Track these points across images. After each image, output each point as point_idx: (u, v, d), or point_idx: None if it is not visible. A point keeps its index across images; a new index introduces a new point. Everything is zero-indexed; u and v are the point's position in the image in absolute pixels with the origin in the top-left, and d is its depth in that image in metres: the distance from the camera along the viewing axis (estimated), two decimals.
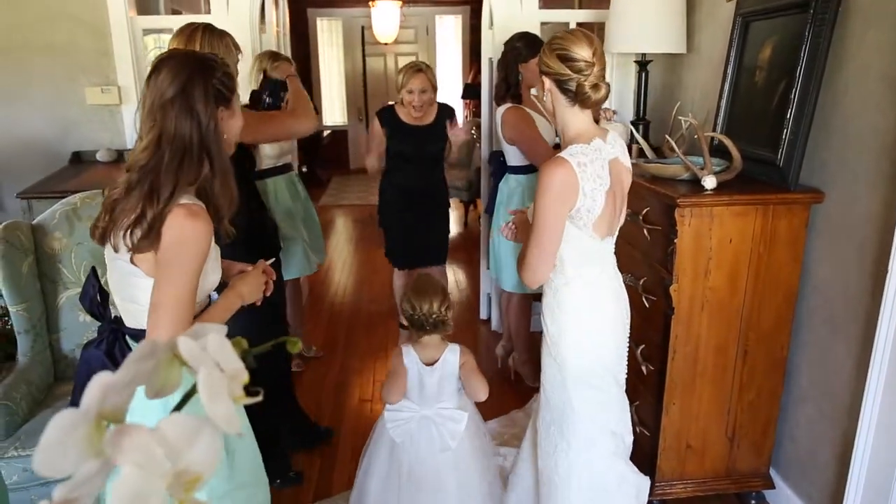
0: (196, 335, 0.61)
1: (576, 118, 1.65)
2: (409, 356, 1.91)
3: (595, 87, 1.59)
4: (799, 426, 2.17)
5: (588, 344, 1.76)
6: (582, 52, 1.58)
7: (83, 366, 1.55)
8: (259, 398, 0.51)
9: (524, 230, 1.80)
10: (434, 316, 1.86)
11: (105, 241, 1.39)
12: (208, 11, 3.70)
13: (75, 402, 1.56)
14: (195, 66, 1.34)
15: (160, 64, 1.36)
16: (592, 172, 1.59)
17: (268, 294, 1.58)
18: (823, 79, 1.89)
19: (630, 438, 1.93)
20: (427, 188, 3.21)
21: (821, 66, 1.88)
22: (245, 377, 0.55)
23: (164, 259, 1.31)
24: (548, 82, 1.64)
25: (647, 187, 2.11)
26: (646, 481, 1.97)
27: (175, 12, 4.13)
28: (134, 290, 1.38)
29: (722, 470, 2.24)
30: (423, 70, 3.01)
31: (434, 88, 3.07)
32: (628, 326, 1.85)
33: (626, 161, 1.74)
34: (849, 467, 1.83)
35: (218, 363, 0.55)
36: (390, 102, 3.19)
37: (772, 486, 2.26)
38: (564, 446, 1.78)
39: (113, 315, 1.50)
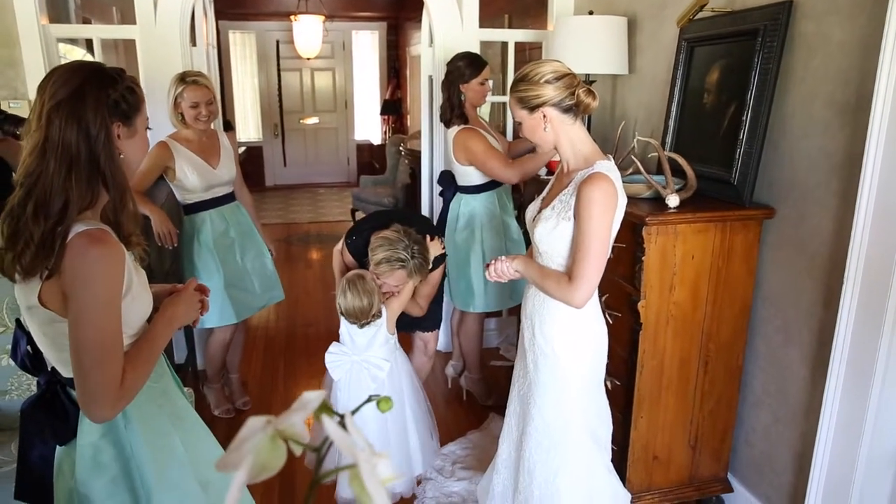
0: (301, 405, 0.53)
1: (582, 133, 1.71)
2: (343, 320, 2.27)
3: (588, 91, 1.66)
4: (755, 431, 2.27)
5: (592, 350, 1.81)
6: (562, 69, 1.65)
7: (30, 425, 1.39)
8: None
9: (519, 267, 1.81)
10: (361, 320, 2.21)
11: (7, 273, 1.25)
12: (123, 22, 3.45)
13: (24, 458, 1.37)
14: (90, 74, 1.25)
15: (54, 70, 1.27)
16: (620, 188, 1.66)
17: (204, 313, 1.50)
18: (773, 102, 2.01)
19: (609, 447, 1.99)
20: None
21: (770, 90, 1.99)
22: (386, 454, 0.49)
23: (74, 297, 1.18)
24: (548, 112, 1.66)
25: None
26: (628, 496, 2.02)
27: (86, 21, 3.83)
28: (60, 337, 1.24)
29: (686, 478, 2.31)
30: (405, 265, 2.17)
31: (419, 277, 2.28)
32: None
33: None
34: (809, 466, 1.94)
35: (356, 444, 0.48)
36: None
37: (730, 489, 2.35)
38: (567, 467, 1.79)
39: (50, 366, 1.35)
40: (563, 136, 1.70)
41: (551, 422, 1.80)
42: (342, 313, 2.24)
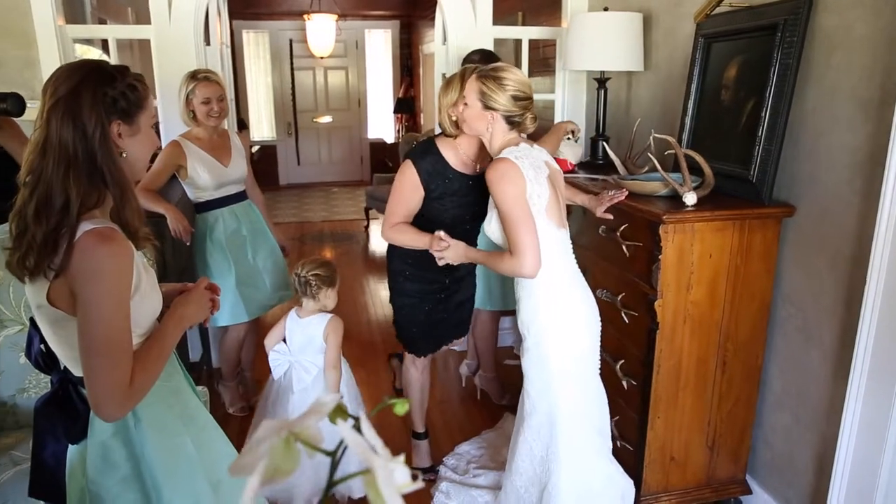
0: (316, 408, 0.52)
1: (507, 136, 1.90)
2: (291, 315, 2.37)
3: (533, 118, 1.88)
4: (774, 432, 2.24)
5: (568, 334, 1.90)
6: (528, 91, 1.85)
7: (43, 423, 1.40)
8: None
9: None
10: (300, 278, 2.27)
11: (15, 273, 1.25)
12: (138, 22, 3.46)
13: (37, 456, 1.37)
14: (89, 72, 1.24)
15: (58, 69, 1.27)
16: (529, 163, 1.81)
17: (215, 312, 1.50)
18: (793, 98, 1.97)
19: (609, 434, 2.05)
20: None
21: (790, 86, 1.96)
22: (402, 458, 0.47)
23: (83, 295, 1.18)
24: (496, 117, 1.85)
25: (626, 204, 2.12)
26: (631, 485, 2.06)
27: (101, 22, 3.86)
28: (70, 336, 1.24)
29: (703, 479, 2.28)
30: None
31: None
32: (598, 317, 1.99)
33: (554, 164, 1.98)
34: (830, 468, 1.90)
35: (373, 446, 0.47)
36: (422, 137, 2.10)
37: (748, 491, 2.32)
38: (555, 449, 1.89)
39: (62, 365, 1.36)
40: (496, 135, 1.89)
41: (537, 403, 1.93)
42: (298, 278, 2.30)
